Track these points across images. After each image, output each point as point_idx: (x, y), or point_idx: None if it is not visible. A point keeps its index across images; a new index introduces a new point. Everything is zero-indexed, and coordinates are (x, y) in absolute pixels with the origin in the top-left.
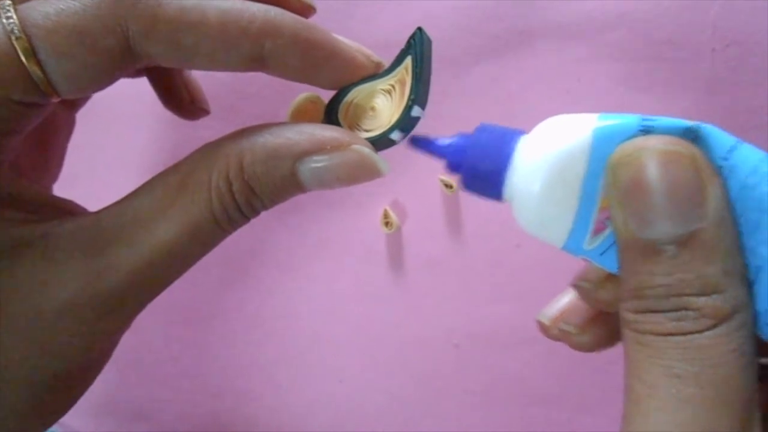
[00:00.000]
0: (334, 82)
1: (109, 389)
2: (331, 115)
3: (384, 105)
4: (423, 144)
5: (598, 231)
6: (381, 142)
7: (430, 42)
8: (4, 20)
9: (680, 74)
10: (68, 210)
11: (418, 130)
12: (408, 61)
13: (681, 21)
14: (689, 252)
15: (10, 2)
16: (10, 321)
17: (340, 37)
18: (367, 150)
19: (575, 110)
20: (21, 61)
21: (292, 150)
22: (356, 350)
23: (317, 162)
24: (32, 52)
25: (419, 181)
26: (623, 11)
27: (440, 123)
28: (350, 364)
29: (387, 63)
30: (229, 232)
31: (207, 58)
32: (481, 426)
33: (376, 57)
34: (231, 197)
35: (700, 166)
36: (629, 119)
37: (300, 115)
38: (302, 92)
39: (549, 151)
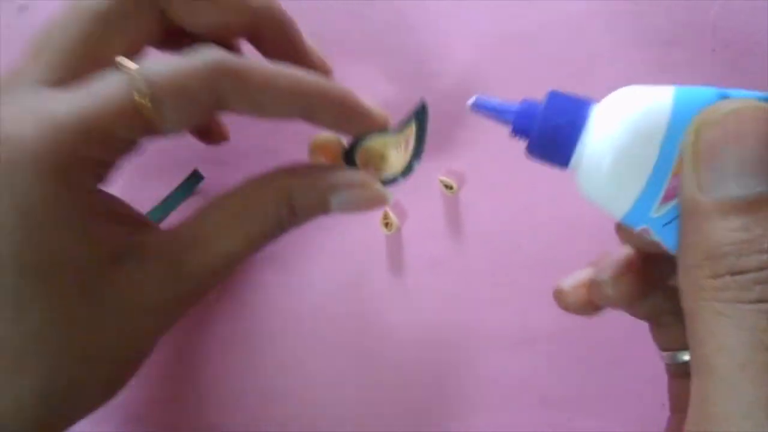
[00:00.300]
0: (356, 132)
1: None
2: (349, 156)
3: (392, 155)
4: (487, 108)
5: (667, 198)
6: (389, 182)
7: (429, 113)
8: (135, 74)
9: (680, 75)
10: (144, 222)
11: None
12: (413, 125)
13: (681, 21)
14: None
15: (131, 62)
16: (110, 313)
17: (363, 98)
18: (381, 187)
19: None
20: (143, 110)
21: (328, 184)
22: (355, 351)
23: (344, 195)
24: (152, 104)
25: (419, 183)
26: (622, 12)
27: (440, 125)
28: (349, 365)
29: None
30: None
31: (271, 112)
32: (481, 427)
33: (385, 113)
34: (279, 218)
35: None
36: (707, 89)
37: (320, 149)
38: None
39: (627, 117)
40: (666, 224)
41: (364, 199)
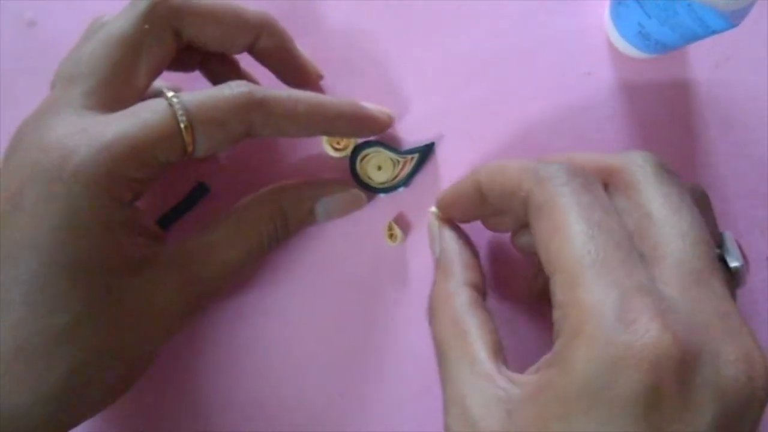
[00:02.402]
0: (367, 135)
1: None
2: (354, 153)
3: (387, 169)
4: None
5: None
6: (373, 190)
7: (433, 154)
8: (175, 104)
9: (678, 88)
10: (158, 234)
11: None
12: (416, 157)
13: None
14: None
15: (172, 92)
16: (128, 316)
17: (368, 105)
18: (356, 191)
19: (574, 122)
20: (182, 136)
21: (312, 195)
22: (359, 362)
23: (326, 202)
24: (191, 131)
25: (424, 194)
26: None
27: (444, 138)
28: (352, 376)
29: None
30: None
31: (294, 134)
32: None
33: (388, 112)
34: (274, 229)
35: None
36: None
37: (332, 141)
38: None
39: None
40: None
41: (342, 202)
